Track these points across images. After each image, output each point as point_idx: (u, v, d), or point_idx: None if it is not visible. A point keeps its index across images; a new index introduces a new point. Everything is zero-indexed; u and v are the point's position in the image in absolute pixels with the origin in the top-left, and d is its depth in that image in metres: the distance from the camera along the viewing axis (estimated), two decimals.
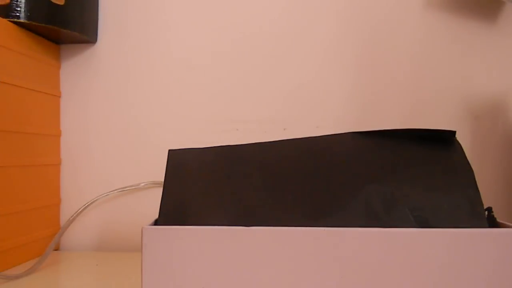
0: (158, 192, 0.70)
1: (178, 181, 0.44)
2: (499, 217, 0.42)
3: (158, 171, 0.70)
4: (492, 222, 0.41)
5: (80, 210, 0.66)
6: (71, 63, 0.72)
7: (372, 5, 0.67)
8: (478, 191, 0.40)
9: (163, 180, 0.48)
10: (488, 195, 0.65)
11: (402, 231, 0.36)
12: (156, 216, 0.40)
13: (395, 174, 0.41)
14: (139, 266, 0.55)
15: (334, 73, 0.68)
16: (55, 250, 0.70)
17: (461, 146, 0.45)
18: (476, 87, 0.66)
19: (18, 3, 0.58)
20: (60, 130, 0.71)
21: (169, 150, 0.51)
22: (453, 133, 0.44)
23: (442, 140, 0.44)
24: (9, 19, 0.58)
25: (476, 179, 0.42)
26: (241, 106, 0.69)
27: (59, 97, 0.71)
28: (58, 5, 0.61)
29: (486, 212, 0.41)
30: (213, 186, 0.42)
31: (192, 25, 0.70)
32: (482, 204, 0.40)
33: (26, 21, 0.58)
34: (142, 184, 0.69)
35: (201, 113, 0.70)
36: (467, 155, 0.44)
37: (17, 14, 0.58)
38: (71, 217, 0.65)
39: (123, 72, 0.71)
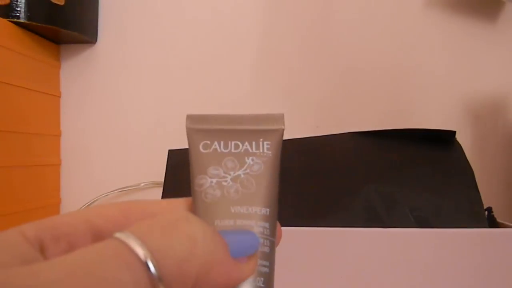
0: (158, 192, 0.70)
1: (178, 181, 0.44)
2: (499, 217, 0.42)
3: (158, 171, 0.70)
4: (492, 222, 0.41)
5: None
6: (71, 63, 0.72)
7: (372, 4, 0.67)
8: (478, 191, 0.40)
9: (163, 180, 0.48)
10: (488, 195, 0.65)
11: (402, 231, 0.36)
12: None
13: (395, 174, 0.41)
14: None
15: (334, 73, 0.68)
16: None
17: (461, 146, 0.45)
18: (476, 87, 0.66)
19: (18, 3, 0.58)
20: (60, 130, 0.71)
21: (169, 150, 0.51)
22: (453, 133, 0.44)
23: (442, 140, 0.44)
24: (9, 19, 0.58)
25: (476, 179, 0.42)
26: (241, 106, 0.69)
27: (59, 97, 0.71)
28: (58, 5, 0.61)
29: (486, 212, 0.41)
30: None
31: (192, 25, 0.70)
32: (482, 204, 0.40)
33: (26, 21, 0.58)
34: (142, 184, 0.69)
35: (201, 113, 0.70)
36: (467, 155, 0.44)
37: (17, 14, 0.58)
38: None
39: (123, 72, 0.71)
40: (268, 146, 0.21)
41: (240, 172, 0.20)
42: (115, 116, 0.71)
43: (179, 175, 0.44)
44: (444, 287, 0.35)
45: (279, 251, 0.35)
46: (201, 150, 0.21)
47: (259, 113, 0.22)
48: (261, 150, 0.21)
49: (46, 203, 0.67)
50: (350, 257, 0.35)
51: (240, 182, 0.20)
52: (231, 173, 0.20)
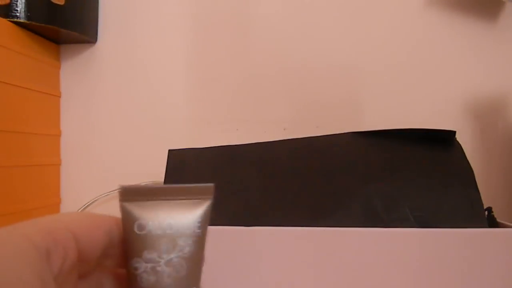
0: None
1: (178, 181, 0.44)
2: (499, 217, 0.42)
3: (158, 171, 0.70)
4: (492, 222, 0.41)
5: (80, 210, 0.66)
6: (71, 63, 0.72)
7: (373, 4, 0.67)
8: (478, 191, 0.40)
9: (163, 180, 0.48)
10: (488, 195, 0.65)
11: (402, 231, 0.36)
12: None
13: (395, 174, 0.41)
14: None
15: (335, 73, 0.68)
16: None
17: (461, 146, 0.44)
18: (476, 87, 0.66)
19: (18, 3, 0.58)
20: (60, 130, 0.71)
21: (169, 150, 0.51)
22: (453, 133, 0.44)
23: (442, 140, 0.44)
24: (9, 19, 0.58)
25: (476, 179, 0.42)
26: (241, 106, 0.69)
27: (59, 97, 0.71)
28: (58, 5, 0.61)
29: (486, 212, 0.41)
30: None
31: (192, 25, 0.70)
32: (482, 204, 0.40)
33: (26, 21, 0.58)
34: (142, 184, 0.69)
35: (201, 113, 0.70)
36: (467, 155, 0.44)
37: (17, 14, 0.58)
38: None
39: (123, 72, 0.71)
40: (199, 225, 0.22)
41: (172, 255, 0.21)
42: (115, 116, 0.71)
43: (179, 175, 0.44)
44: (444, 287, 0.35)
45: (280, 251, 0.35)
46: (136, 231, 0.21)
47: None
48: (192, 230, 0.22)
49: (46, 203, 0.67)
50: (350, 257, 0.35)
51: (173, 266, 0.21)
52: (165, 256, 0.21)
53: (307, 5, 0.69)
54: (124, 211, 0.22)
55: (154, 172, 0.70)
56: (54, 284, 0.17)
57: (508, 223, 0.39)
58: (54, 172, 0.70)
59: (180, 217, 0.22)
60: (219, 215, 0.39)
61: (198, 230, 0.22)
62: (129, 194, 0.22)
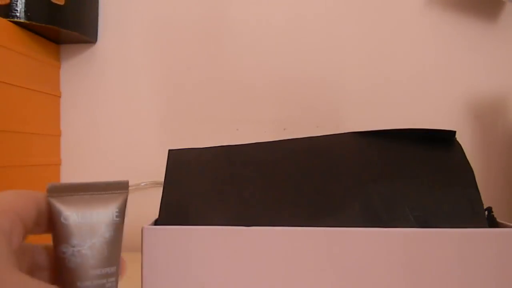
0: (158, 192, 0.70)
1: (178, 181, 0.44)
2: (499, 217, 0.42)
3: (158, 171, 0.70)
4: (492, 222, 0.41)
5: None
6: (71, 63, 0.72)
7: (374, 4, 0.67)
8: (478, 191, 0.40)
9: (163, 180, 0.48)
10: (488, 195, 0.65)
11: (402, 231, 0.36)
12: (156, 216, 0.40)
13: (395, 174, 0.41)
14: (139, 266, 0.55)
15: (333, 72, 0.68)
16: None
17: (461, 146, 0.44)
18: (476, 87, 0.66)
19: (18, 3, 0.58)
20: (60, 130, 0.71)
21: (169, 150, 0.51)
22: (453, 133, 0.44)
23: (442, 140, 0.44)
24: (9, 19, 0.58)
25: (476, 179, 0.42)
26: (241, 106, 0.69)
27: (59, 97, 0.71)
28: (58, 5, 0.61)
29: (486, 212, 0.41)
30: (213, 186, 0.42)
31: (191, 25, 0.70)
32: (482, 204, 0.40)
33: (26, 21, 0.58)
34: (142, 184, 0.69)
35: (201, 113, 0.70)
36: (467, 155, 0.44)
37: (17, 14, 0.58)
38: None
39: (123, 72, 0.71)
40: (117, 214, 0.26)
41: (95, 240, 0.25)
42: (115, 116, 0.71)
43: (179, 175, 0.44)
44: (443, 287, 0.35)
45: (280, 251, 0.35)
46: (63, 221, 0.25)
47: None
48: (111, 218, 0.26)
49: None
50: (350, 257, 0.35)
51: (96, 249, 0.25)
52: (88, 241, 0.25)
53: (310, 2, 0.69)
54: (51, 205, 0.25)
55: (154, 172, 0.70)
56: (15, 258, 0.20)
57: (508, 223, 0.39)
58: (54, 172, 0.70)
59: (101, 208, 0.26)
60: (219, 215, 0.39)
61: (117, 219, 0.26)
62: (55, 190, 0.25)
